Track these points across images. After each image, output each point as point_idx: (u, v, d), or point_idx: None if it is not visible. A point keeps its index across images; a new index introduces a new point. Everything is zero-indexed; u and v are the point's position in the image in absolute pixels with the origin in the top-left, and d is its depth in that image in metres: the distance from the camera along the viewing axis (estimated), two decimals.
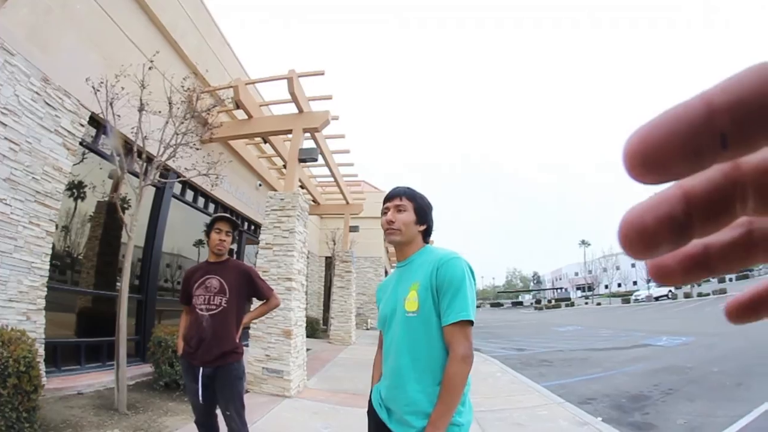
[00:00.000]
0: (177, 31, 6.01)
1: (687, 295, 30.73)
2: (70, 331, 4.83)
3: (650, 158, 0.17)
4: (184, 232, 7.35)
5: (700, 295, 28.94)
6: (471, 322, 1.29)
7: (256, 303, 2.79)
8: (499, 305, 69.22)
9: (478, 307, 1.52)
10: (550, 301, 52.98)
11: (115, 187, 4.41)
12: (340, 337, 11.20)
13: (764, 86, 0.15)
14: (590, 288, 54.93)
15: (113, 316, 4.06)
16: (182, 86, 5.04)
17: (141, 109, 4.11)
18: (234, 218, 2.60)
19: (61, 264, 4.81)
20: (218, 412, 2.48)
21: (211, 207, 7.89)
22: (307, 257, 6.77)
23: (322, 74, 6.33)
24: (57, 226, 4.17)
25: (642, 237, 0.18)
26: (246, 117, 6.87)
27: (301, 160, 6.48)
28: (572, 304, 48.15)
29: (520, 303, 69.99)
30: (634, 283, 52.37)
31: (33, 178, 3.75)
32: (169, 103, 4.43)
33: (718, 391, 5.21)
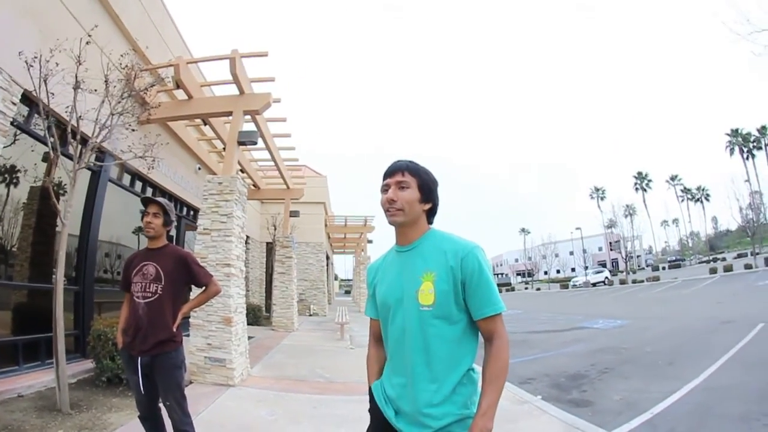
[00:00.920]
0: (119, 3, 5.59)
1: (623, 282, 32.79)
2: (5, 329, 4.47)
3: None
4: (122, 219, 6.94)
5: (635, 281, 31.01)
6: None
7: (196, 291, 2.71)
8: None
9: None
10: None
11: (49, 171, 4.08)
12: (282, 323, 11.12)
13: None
14: (530, 274, 57.23)
15: (50, 310, 3.79)
16: (120, 63, 4.74)
17: (76, 87, 3.83)
18: (161, 199, 2.51)
19: None
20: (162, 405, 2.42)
21: (149, 191, 7.50)
22: (247, 243, 6.64)
23: (266, 55, 6.19)
24: None
25: None
26: (186, 97, 6.57)
27: (241, 143, 6.36)
28: (512, 289, 50.44)
29: None
30: (572, 270, 55.22)
31: None
32: (106, 81, 4.15)
33: (651, 369, 5.61)
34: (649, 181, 56.49)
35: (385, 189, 1.38)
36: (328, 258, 22.53)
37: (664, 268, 42.63)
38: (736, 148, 47.50)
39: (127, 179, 6.83)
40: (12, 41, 3.82)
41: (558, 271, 59.03)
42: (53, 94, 3.69)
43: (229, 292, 5.24)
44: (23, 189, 4.76)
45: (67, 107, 3.86)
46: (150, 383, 2.32)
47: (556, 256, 55.35)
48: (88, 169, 4.35)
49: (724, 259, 36.60)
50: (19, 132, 4.39)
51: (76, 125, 3.86)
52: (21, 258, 4.79)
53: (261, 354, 7.17)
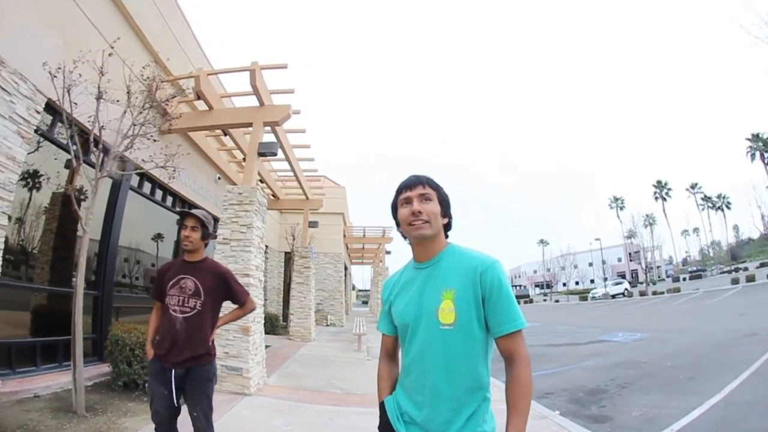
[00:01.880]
0: (140, 15, 5.76)
1: (642, 293, 32.03)
2: (24, 330, 4.58)
3: None
4: (142, 226, 7.08)
5: (655, 293, 30.25)
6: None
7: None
8: None
9: None
10: None
11: (71, 178, 4.19)
12: (299, 333, 11.14)
13: None
14: (549, 285, 56.41)
15: (69, 313, 3.87)
16: (142, 75, 4.85)
17: (99, 98, 3.93)
18: (198, 212, 2.49)
19: (15, 259, 4.53)
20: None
21: (169, 200, 7.64)
22: (266, 252, 6.68)
23: (285, 67, 6.24)
24: (10, 219, 3.92)
25: None
26: (207, 108, 6.69)
27: (261, 154, 6.42)
28: (531, 301, 49.46)
29: None
30: (592, 281, 54.31)
31: None
32: (128, 92, 4.26)
33: (671, 384, 5.45)
34: (669, 189, 55.17)
35: (406, 202, 1.34)
36: (346, 268, 22.53)
37: (684, 279, 41.48)
38: (757, 154, 45.90)
39: (147, 187, 6.96)
40: (37, 52, 3.96)
41: (577, 283, 58.07)
42: (76, 103, 3.80)
43: None
44: (45, 194, 4.89)
45: (90, 117, 3.97)
46: (178, 395, 2.30)
47: (575, 267, 54.52)
48: (110, 177, 4.44)
49: (746, 269, 35.42)
50: (42, 140, 4.52)
51: (98, 134, 3.96)
52: (41, 261, 4.91)
53: (277, 363, 7.17)
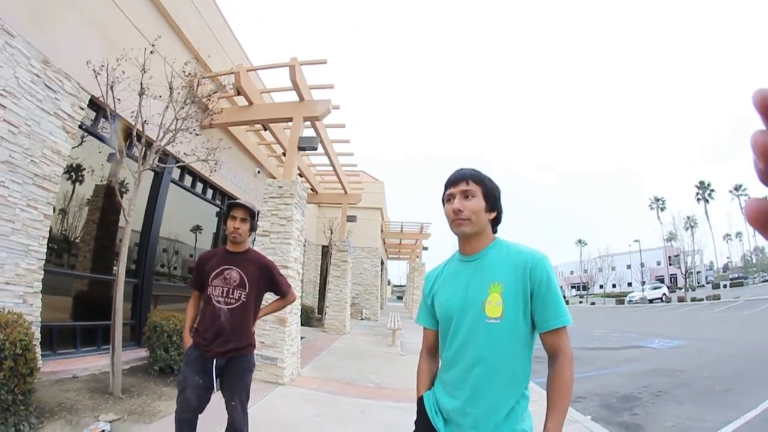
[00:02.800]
0: (180, 15, 5.94)
1: (681, 299, 30.71)
2: (66, 314, 4.84)
3: None
4: (181, 218, 7.33)
5: (694, 299, 28.92)
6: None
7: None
8: None
9: None
10: None
11: (114, 171, 4.38)
12: (334, 326, 11.26)
13: None
14: (585, 287, 54.95)
15: (109, 300, 4.06)
16: (183, 71, 4.99)
17: (141, 94, 4.08)
18: (248, 203, 2.45)
19: (59, 247, 4.80)
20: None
21: (209, 192, 7.88)
22: (304, 245, 6.77)
23: (324, 63, 6.25)
24: (55, 209, 4.16)
25: None
26: (246, 103, 6.82)
27: (301, 149, 6.47)
28: (567, 303, 47.03)
29: None
30: (629, 284, 52.50)
31: (32, 160, 3.73)
32: (170, 88, 4.39)
33: (707, 395, 5.23)
34: (712, 191, 52.40)
35: (449, 198, 1.34)
36: (382, 263, 22.57)
37: (725, 286, 39.40)
38: None
39: (188, 180, 7.19)
40: (80, 51, 4.17)
41: (614, 285, 56.31)
42: (119, 99, 3.96)
43: None
44: (89, 187, 5.14)
45: (132, 112, 4.14)
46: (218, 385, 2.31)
47: (613, 269, 52.85)
48: (152, 170, 4.62)
49: None
50: (86, 134, 4.75)
51: (141, 129, 4.12)
52: (84, 250, 5.18)
53: (312, 355, 7.29)
